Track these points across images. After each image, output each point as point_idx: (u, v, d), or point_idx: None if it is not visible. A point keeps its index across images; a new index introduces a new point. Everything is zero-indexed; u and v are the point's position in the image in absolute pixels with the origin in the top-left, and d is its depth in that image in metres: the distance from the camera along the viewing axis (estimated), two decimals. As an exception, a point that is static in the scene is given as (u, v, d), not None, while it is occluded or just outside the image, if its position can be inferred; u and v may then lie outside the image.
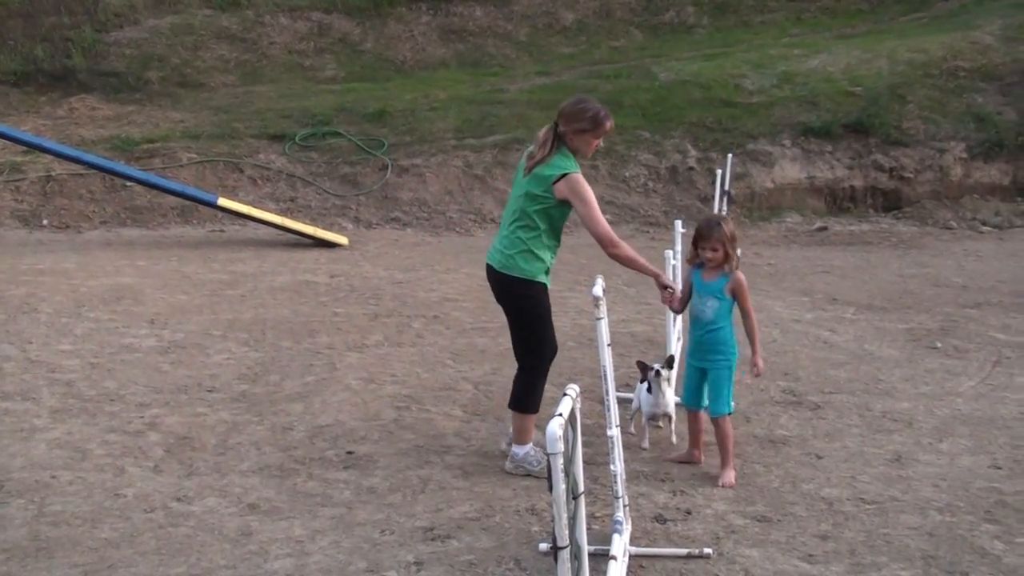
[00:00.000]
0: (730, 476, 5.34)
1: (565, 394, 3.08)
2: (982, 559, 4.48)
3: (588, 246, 10.69)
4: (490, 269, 5.39)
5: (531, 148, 5.33)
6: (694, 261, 5.48)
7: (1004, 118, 15.68)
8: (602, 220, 5.12)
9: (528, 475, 5.38)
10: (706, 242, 5.36)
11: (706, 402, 5.55)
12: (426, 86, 17.10)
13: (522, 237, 5.22)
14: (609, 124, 5.21)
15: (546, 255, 5.26)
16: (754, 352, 5.45)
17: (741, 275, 5.42)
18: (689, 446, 5.67)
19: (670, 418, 5.91)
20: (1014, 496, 5.16)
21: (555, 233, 5.29)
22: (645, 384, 5.81)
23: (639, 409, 5.97)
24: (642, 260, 5.24)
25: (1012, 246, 12.95)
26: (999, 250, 12.69)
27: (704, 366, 5.50)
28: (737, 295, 5.40)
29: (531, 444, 5.48)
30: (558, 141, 5.20)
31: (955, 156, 15.22)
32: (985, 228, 14.23)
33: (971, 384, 7.14)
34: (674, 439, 5.93)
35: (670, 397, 5.81)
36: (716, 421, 5.48)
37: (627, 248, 5.20)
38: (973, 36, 17.40)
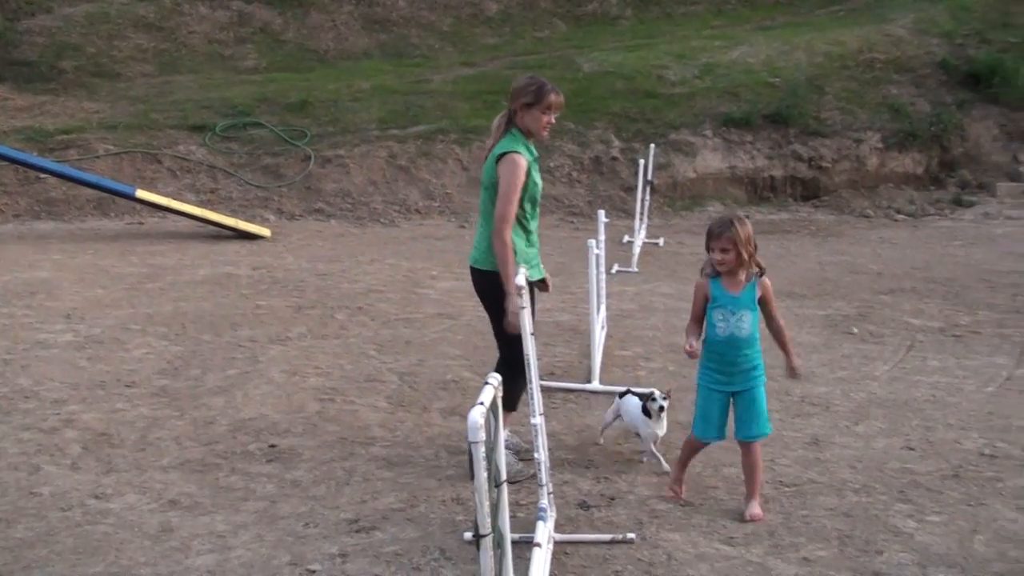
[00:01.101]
0: (758, 507, 4.83)
1: (487, 383, 3.09)
2: (896, 537, 4.60)
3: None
4: (470, 268, 5.26)
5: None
6: (708, 271, 4.79)
7: (917, 109, 16.11)
8: (507, 204, 4.92)
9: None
10: (716, 242, 4.65)
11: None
12: (349, 76, 16.97)
13: (488, 229, 5.09)
14: (554, 97, 5.05)
15: (516, 243, 5.05)
16: (791, 355, 4.94)
17: (767, 280, 4.82)
18: (677, 479, 5.06)
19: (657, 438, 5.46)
20: (926, 476, 5.30)
21: (520, 218, 5.08)
22: (638, 406, 5.38)
23: (611, 423, 5.70)
24: (511, 270, 4.89)
25: (925, 234, 13.30)
26: (913, 238, 13.02)
27: (739, 389, 4.82)
28: (766, 302, 4.81)
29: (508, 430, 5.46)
30: (509, 125, 5.10)
31: (871, 146, 15.59)
32: (900, 216, 14.60)
33: (886, 368, 7.32)
34: (647, 459, 5.44)
35: (664, 423, 5.37)
36: (754, 446, 4.85)
37: (508, 249, 4.92)
38: (887, 29, 17.82)
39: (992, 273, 10.66)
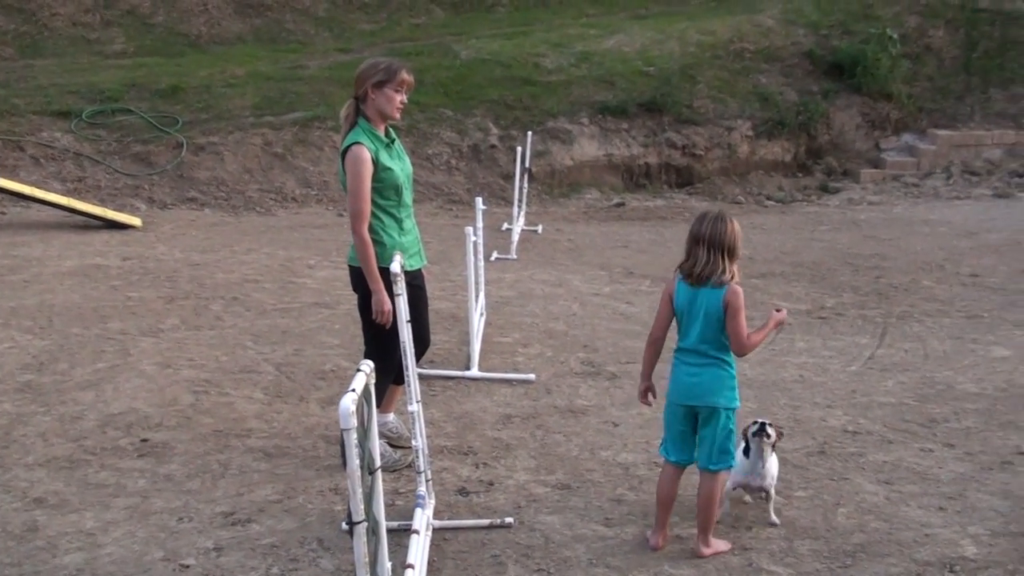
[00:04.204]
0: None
1: (359, 370, 3.08)
2: (764, 513, 4.75)
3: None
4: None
5: None
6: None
7: (785, 98, 16.60)
8: (356, 201, 4.84)
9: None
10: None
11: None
12: (222, 62, 16.58)
13: None
14: (406, 75, 4.93)
15: (384, 235, 4.98)
16: None
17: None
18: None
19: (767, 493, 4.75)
20: (793, 453, 5.49)
21: (387, 207, 4.99)
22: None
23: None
24: (372, 265, 4.88)
25: (793, 219, 13.72)
26: (782, 223, 13.42)
27: None
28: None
29: (391, 414, 5.48)
30: (357, 115, 4.97)
31: (742, 134, 16.00)
32: (769, 202, 15.04)
33: (756, 350, 7.51)
34: (775, 519, 4.72)
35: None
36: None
37: (367, 246, 4.87)
38: (757, 19, 18.29)
39: (856, 257, 11.08)
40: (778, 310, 4.54)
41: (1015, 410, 6.26)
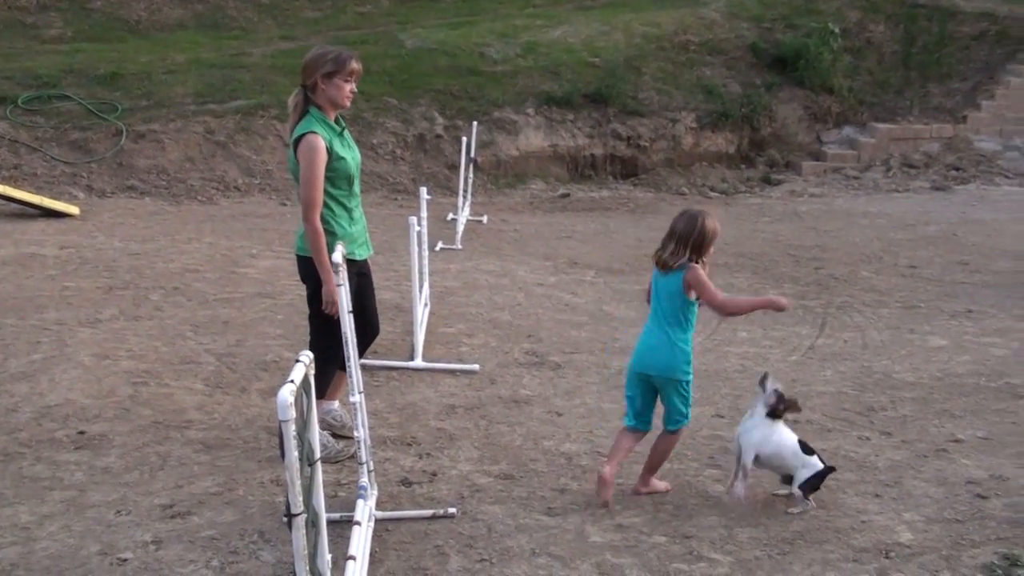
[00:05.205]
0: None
1: (298, 360, 3.05)
2: (706, 501, 4.81)
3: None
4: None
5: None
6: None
7: (729, 90, 16.73)
8: (310, 190, 4.81)
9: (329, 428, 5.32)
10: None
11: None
12: (163, 48, 16.31)
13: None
14: (355, 64, 4.91)
15: (336, 225, 4.96)
16: None
17: None
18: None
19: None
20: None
21: (338, 197, 4.97)
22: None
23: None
24: (324, 257, 4.84)
25: (736, 210, 13.85)
26: (725, 214, 13.52)
27: None
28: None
29: (336, 402, 5.45)
30: (306, 103, 4.92)
31: (686, 126, 16.11)
32: (713, 193, 15.16)
33: (698, 340, 7.56)
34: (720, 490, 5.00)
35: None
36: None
37: (319, 236, 4.84)
38: (701, 12, 18.41)
39: (797, 248, 11.21)
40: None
41: (950, 398, 6.39)
